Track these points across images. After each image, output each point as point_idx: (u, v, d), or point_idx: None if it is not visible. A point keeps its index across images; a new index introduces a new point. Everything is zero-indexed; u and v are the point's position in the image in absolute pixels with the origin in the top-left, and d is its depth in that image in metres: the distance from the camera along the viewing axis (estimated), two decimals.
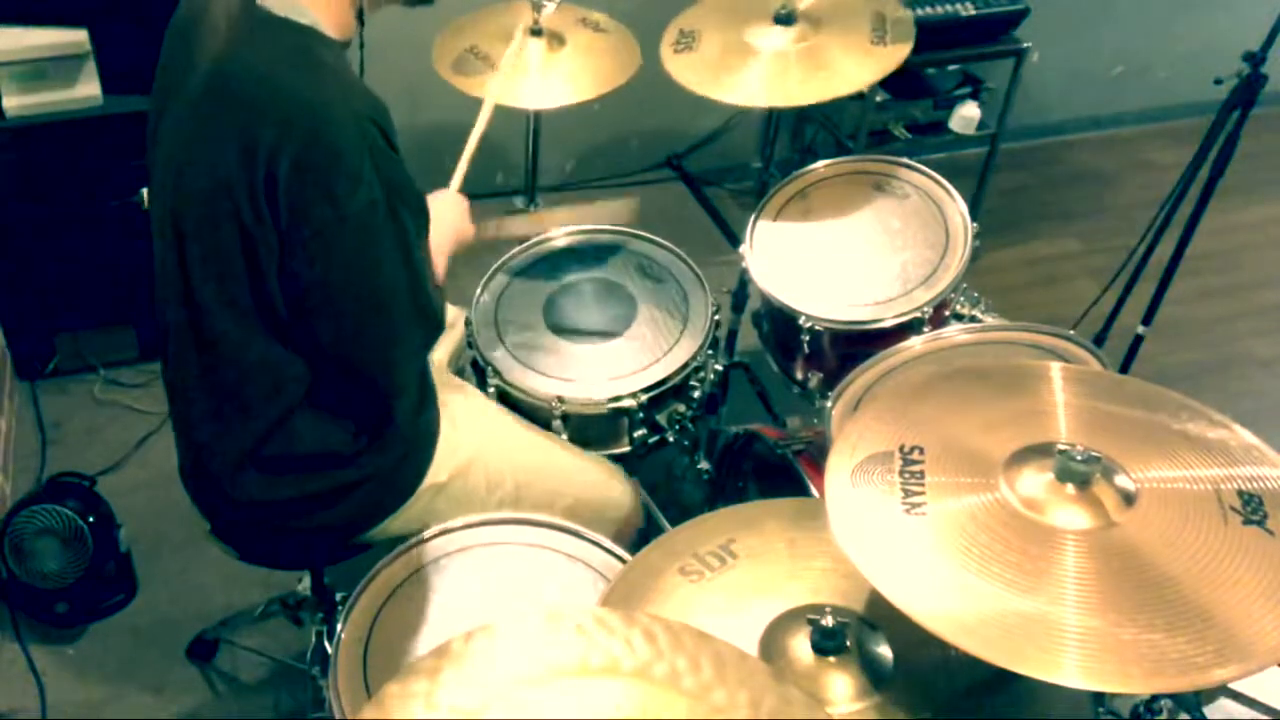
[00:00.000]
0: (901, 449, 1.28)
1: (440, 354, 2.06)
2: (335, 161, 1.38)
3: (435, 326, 1.60)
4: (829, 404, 1.86)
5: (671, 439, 2.03)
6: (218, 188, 1.42)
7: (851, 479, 1.25)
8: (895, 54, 2.13)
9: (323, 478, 1.64)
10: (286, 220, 1.40)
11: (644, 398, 1.94)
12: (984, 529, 1.18)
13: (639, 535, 2.00)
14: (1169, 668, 1.04)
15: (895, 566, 1.16)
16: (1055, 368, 1.42)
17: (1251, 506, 1.18)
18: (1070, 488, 1.20)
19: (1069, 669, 1.05)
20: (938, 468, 1.25)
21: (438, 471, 1.74)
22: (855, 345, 2.03)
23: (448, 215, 1.77)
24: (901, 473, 1.25)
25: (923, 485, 1.23)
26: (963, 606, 1.11)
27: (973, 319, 2.11)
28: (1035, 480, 1.22)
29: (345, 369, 1.55)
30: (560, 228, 2.22)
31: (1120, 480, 1.22)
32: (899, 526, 1.19)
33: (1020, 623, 1.09)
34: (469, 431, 1.82)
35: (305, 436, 1.58)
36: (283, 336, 1.51)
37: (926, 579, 1.14)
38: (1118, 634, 1.07)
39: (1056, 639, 1.07)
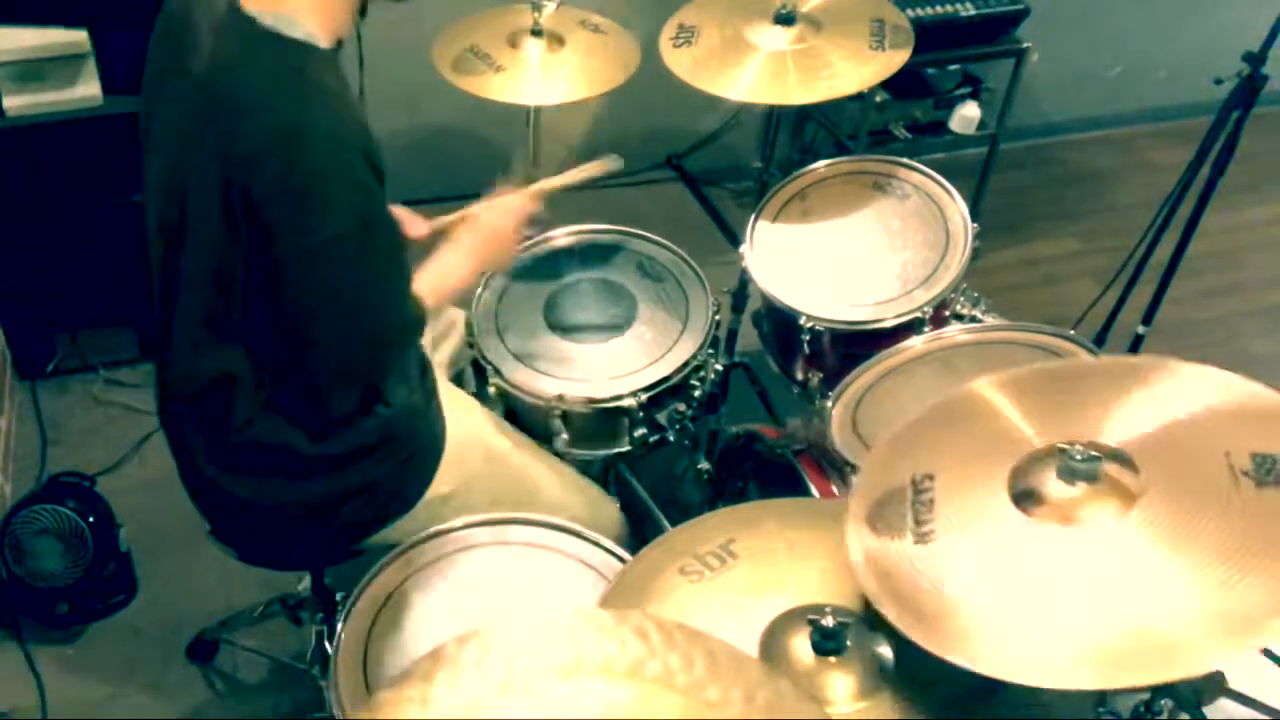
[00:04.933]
0: (913, 479, 1.28)
1: (442, 355, 2.07)
2: (309, 187, 1.36)
3: (386, 355, 1.58)
4: (829, 404, 1.86)
5: (671, 438, 2.03)
6: (202, 203, 1.41)
7: (871, 528, 1.25)
8: (893, 60, 2.14)
9: (315, 482, 1.63)
10: (258, 239, 1.39)
11: (644, 397, 1.95)
12: (1019, 554, 1.18)
13: (639, 536, 2.00)
14: (1240, 624, 1.03)
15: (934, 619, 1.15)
16: (983, 383, 1.39)
17: (1266, 468, 1.15)
18: (1080, 486, 1.20)
19: (1190, 654, 1.03)
20: (947, 499, 1.25)
21: (440, 483, 1.74)
22: (855, 345, 2.03)
23: (491, 231, 1.76)
24: (913, 504, 1.25)
25: (932, 515, 1.23)
26: (1036, 638, 1.10)
27: (973, 319, 2.11)
28: (1048, 489, 1.22)
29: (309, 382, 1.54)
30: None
31: (1123, 465, 1.21)
32: (916, 562, 1.19)
33: (1107, 635, 1.07)
34: (473, 447, 1.82)
35: (285, 440, 1.58)
36: (249, 349, 1.51)
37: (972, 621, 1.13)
38: (1181, 608, 1.06)
39: (1158, 634, 1.06)
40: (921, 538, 1.21)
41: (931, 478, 1.27)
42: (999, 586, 1.15)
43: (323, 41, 1.42)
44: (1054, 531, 1.18)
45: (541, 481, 1.89)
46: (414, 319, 1.57)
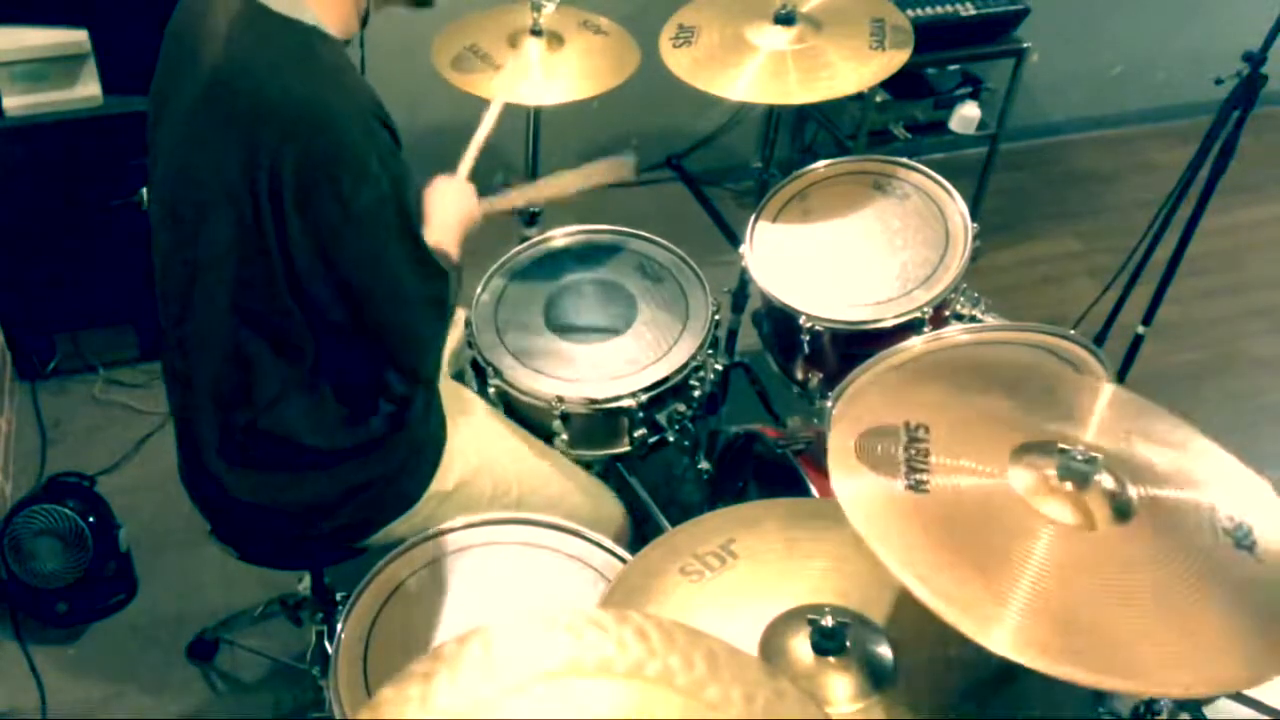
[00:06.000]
0: (907, 425, 1.28)
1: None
2: (340, 160, 1.39)
3: (447, 303, 1.62)
4: (829, 404, 1.86)
5: (671, 439, 2.03)
6: (220, 190, 1.42)
7: (857, 449, 1.25)
8: (893, 60, 2.13)
9: (322, 478, 1.64)
10: (294, 222, 1.40)
11: (644, 397, 1.94)
12: (982, 510, 1.19)
13: (639, 536, 2.00)
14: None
15: (897, 537, 1.16)
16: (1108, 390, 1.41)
17: (1240, 534, 1.20)
18: (1069, 485, 1.21)
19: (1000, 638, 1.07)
20: (942, 448, 1.25)
21: (443, 480, 1.74)
22: (855, 345, 2.03)
23: (455, 201, 1.76)
24: (907, 448, 1.25)
25: (927, 463, 1.23)
26: (945, 572, 1.12)
27: (973, 319, 2.11)
28: (1037, 471, 1.23)
29: (374, 355, 1.57)
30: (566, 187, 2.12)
31: (1118, 490, 1.22)
32: (901, 499, 1.20)
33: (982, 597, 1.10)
34: (475, 443, 1.82)
35: (303, 431, 1.59)
36: (289, 331, 1.51)
37: (922, 549, 1.15)
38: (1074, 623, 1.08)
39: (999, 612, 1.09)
40: (915, 486, 1.21)
41: (927, 429, 1.27)
42: (982, 548, 1.16)
43: (332, 30, 1.46)
44: (1045, 517, 1.19)
45: (543, 477, 1.89)
46: (448, 269, 1.60)
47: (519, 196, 1.96)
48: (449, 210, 1.70)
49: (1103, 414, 1.35)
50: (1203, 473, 1.28)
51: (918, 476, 1.22)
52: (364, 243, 1.45)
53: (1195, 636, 1.09)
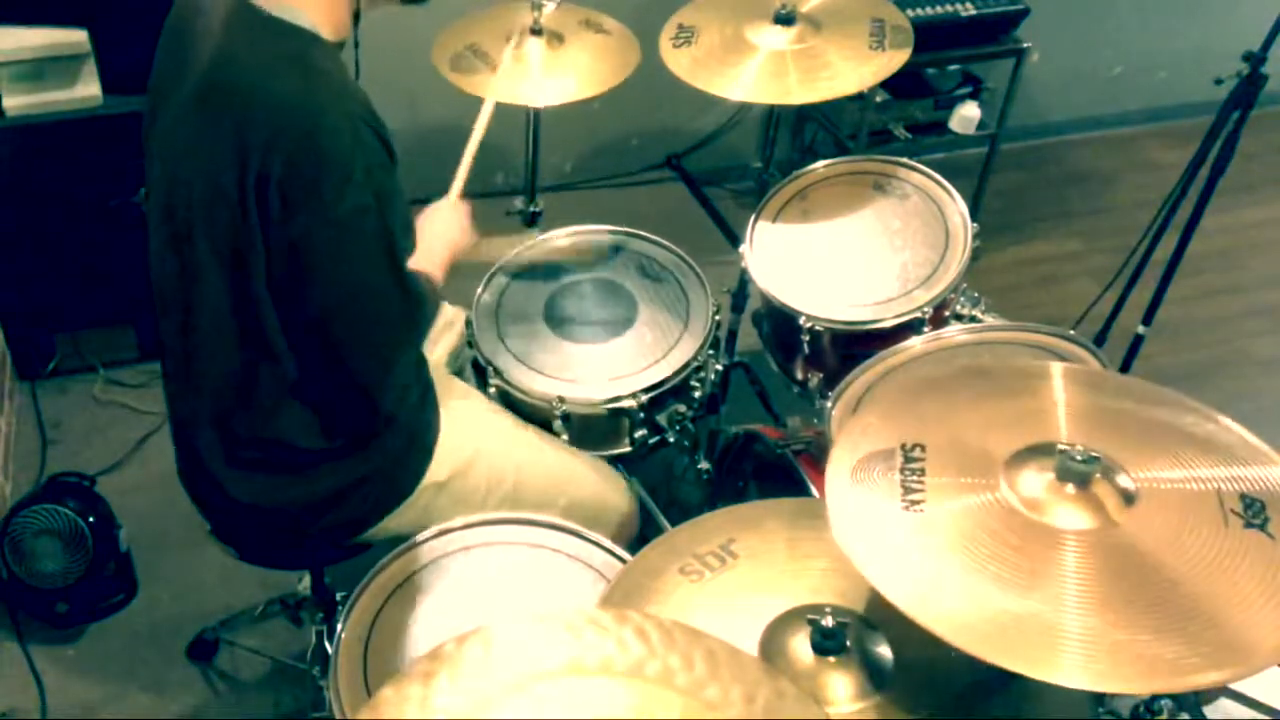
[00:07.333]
0: (903, 447, 1.28)
1: (439, 353, 2.07)
2: (325, 165, 1.38)
3: (421, 326, 1.61)
4: (829, 404, 1.86)
5: (672, 439, 2.03)
6: (212, 191, 1.42)
7: (852, 476, 1.25)
8: (893, 60, 2.13)
9: (319, 477, 1.64)
10: (276, 222, 1.40)
11: (644, 398, 1.94)
12: (983, 528, 1.18)
13: (639, 536, 2.00)
14: (1164, 668, 1.04)
15: (894, 564, 1.16)
16: (1056, 367, 1.42)
17: (1253, 510, 1.18)
18: (1070, 487, 1.20)
19: (1065, 668, 1.05)
20: (938, 466, 1.25)
21: (438, 470, 1.74)
22: (855, 345, 2.03)
23: (445, 226, 1.77)
24: (902, 470, 1.25)
25: (923, 483, 1.23)
26: (960, 604, 1.11)
27: (973, 319, 2.11)
28: (1036, 480, 1.22)
29: (337, 368, 1.55)
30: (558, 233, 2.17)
31: (1121, 480, 1.22)
32: (898, 524, 1.19)
33: (1017, 621, 1.09)
34: (469, 430, 1.82)
35: (297, 436, 1.59)
36: (270, 337, 1.51)
37: (925, 577, 1.14)
38: (1114, 634, 1.07)
39: (1053, 638, 1.07)
40: (911, 505, 1.21)
41: (922, 447, 1.27)
42: (980, 566, 1.15)
43: (325, 34, 1.45)
44: (1040, 525, 1.18)
45: (542, 465, 1.88)
46: (427, 294, 1.59)
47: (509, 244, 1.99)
48: (437, 234, 1.72)
49: (1074, 402, 1.34)
50: (1201, 449, 1.27)
51: (914, 497, 1.22)
52: (341, 251, 1.43)
53: (1223, 625, 1.08)
